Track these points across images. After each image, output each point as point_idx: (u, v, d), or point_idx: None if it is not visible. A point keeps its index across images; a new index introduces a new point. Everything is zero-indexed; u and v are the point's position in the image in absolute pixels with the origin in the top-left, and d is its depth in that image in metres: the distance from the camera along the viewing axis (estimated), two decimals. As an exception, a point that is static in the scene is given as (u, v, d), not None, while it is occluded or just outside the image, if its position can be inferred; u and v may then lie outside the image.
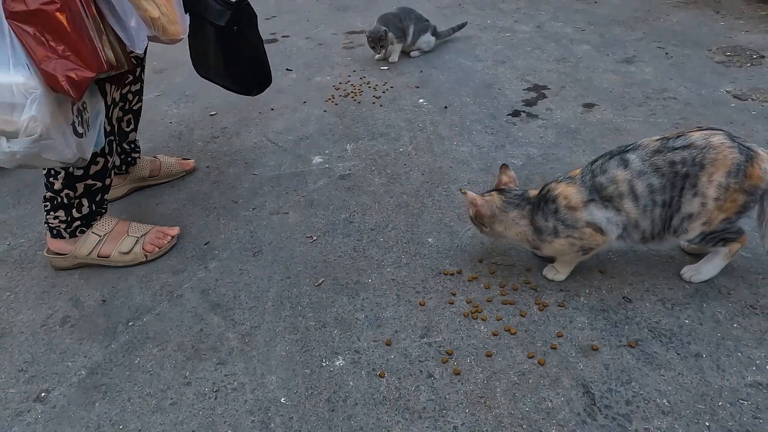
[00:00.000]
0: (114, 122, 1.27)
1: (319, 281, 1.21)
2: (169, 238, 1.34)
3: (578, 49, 2.39)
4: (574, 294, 1.11)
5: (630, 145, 1.05)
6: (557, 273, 1.14)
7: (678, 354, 0.96)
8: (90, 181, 1.22)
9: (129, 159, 1.54)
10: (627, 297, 1.09)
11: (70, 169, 1.17)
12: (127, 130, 1.49)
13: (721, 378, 0.92)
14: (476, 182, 1.51)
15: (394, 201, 1.47)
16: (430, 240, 1.31)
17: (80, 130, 1.02)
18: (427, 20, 2.43)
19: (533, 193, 1.11)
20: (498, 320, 1.06)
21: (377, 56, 2.45)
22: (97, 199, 1.27)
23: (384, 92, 2.13)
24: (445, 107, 1.95)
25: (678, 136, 1.02)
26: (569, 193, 1.04)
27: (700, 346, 0.98)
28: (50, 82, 0.91)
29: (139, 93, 1.48)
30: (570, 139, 1.68)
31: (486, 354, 0.99)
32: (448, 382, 0.95)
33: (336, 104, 2.06)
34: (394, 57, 2.40)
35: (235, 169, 1.68)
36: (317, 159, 1.70)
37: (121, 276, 1.26)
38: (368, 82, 2.23)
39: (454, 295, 1.14)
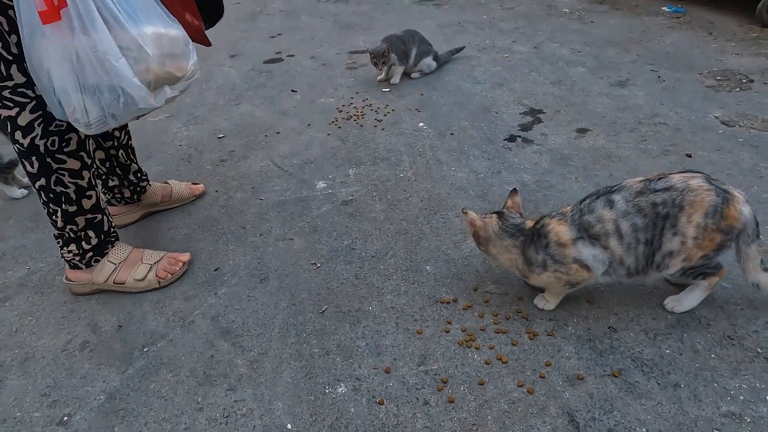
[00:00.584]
0: (93, 156, 1.34)
1: (323, 308, 1.28)
2: (181, 264, 1.40)
3: (574, 71, 2.46)
4: (563, 323, 1.18)
5: (615, 185, 1.12)
6: (547, 302, 1.21)
7: (658, 384, 1.03)
8: (89, 215, 1.28)
9: (138, 189, 1.61)
10: (612, 327, 1.16)
11: (64, 206, 1.24)
12: (126, 163, 1.55)
13: (697, 408, 0.98)
14: (472, 209, 1.57)
15: (394, 228, 1.54)
16: (428, 268, 1.38)
17: None
18: (430, 44, 2.51)
19: (529, 224, 1.18)
20: (491, 349, 1.13)
21: (379, 77, 2.52)
22: (104, 229, 1.34)
23: (385, 115, 2.20)
24: (451, 133, 2.01)
25: (659, 178, 1.08)
26: (560, 230, 1.11)
27: (679, 376, 1.04)
28: (193, 33, 1.10)
29: (124, 128, 1.53)
30: (563, 165, 1.75)
31: (479, 382, 1.06)
32: (443, 410, 1.01)
33: (339, 127, 2.14)
34: (396, 79, 2.47)
35: (243, 194, 1.76)
36: (321, 184, 1.78)
37: (135, 302, 1.34)
38: (370, 105, 2.30)
39: (449, 323, 1.21)
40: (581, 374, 1.06)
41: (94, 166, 1.34)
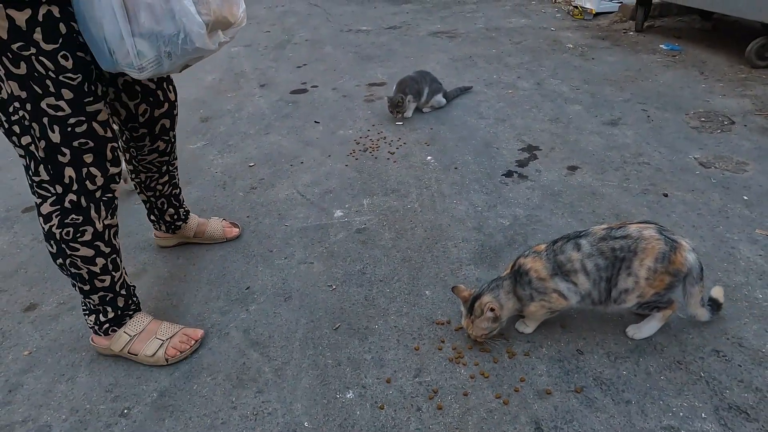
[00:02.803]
0: (115, 243, 1.38)
1: (337, 326, 1.51)
2: (193, 342, 1.46)
3: (570, 109, 2.67)
4: (538, 345, 1.39)
5: (583, 231, 1.34)
6: (526, 327, 1.43)
7: (613, 400, 1.24)
8: (102, 294, 1.39)
9: (173, 227, 1.81)
10: (580, 349, 1.37)
11: (80, 285, 1.36)
12: (163, 208, 1.74)
13: (643, 421, 1.18)
14: (469, 240, 1.80)
15: (400, 255, 1.77)
16: (427, 292, 1.60)
17: None
18: (440, 83, 2.76)
19: (505, 273, 1.40)
20: (475, 365, 1.35)
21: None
22: (120, 306, 1.43)
23: (398, 148, 2.44)
24: (455, 167, 2.24)
25: (619, 227, 1.30)
26: (538, 267, 1.33)
27: (631, 394, 1.25)
28: None
29: (170, 180, 1.70)
30: (552, 201, 1.96)
31: (463, 393, 1.28)
32: (433, 416, 1.23)
33: (356, 159, 2.38)
34: (409, 113, 2.72)
35: (270, 220, 2.01)
36: (338, 213, 2.02)
37: (180, 315, 1.59)
38: (384, 137, 2.54)
39: (443, 342, 1.43)
40: (549, 389, 1.27)
41: (117, 253, 1.40)
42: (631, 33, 3.87)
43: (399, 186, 2.16)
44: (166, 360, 1.42)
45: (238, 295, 1.65)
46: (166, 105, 1.51)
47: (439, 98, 2.75)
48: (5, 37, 1.04)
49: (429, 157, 2.35)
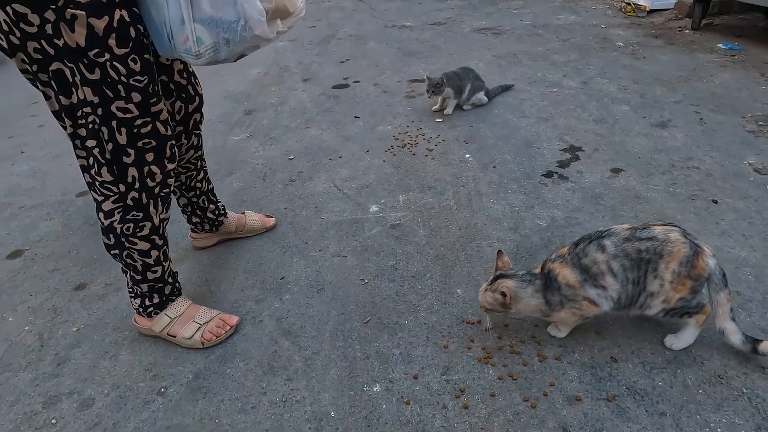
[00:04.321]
0: (166, 237, 1.44)
1: (367, 319, 1.53)
2: (228, 327, 1.51)
3: (617, 109, 2.58)
4: (571, 350, 1.36)
5: (605, 231, 1.30)
6: (559, 331, 1.40)
7: (646, 411, 1.20)
8: (151, 283, 1.45)
9: (216, 223, 1.84)
10: (614, 357, 1.33)
11: (131, 274, 1.42)
12: (204, 206, 1.77)
13: (677, 434, 1.15)
14: (504, 240, 1.77)
15: (433, 252, 1.76)
16: (458, 291, 1.59)
17: None
18: (482, 81, 2.72)
19: (537, 270, 1.38)
20: (504, 366, 1.34)
21: (434, 107, 2.76)
22: (166, 293, 1.50)
23: (436, 145, 2.43)
24: (494, 166, 2.21)
25: (643, 228, 1.27)
26: (566, 273, 1.30)
27: (666, 406, 1.20)
28: None
29: (205, 176, 1.72)
30: (593, 204, 1.91)
31: (490, 394, 1.27)
32: (458, 414, 1.23)
33: (394, 155, 2.39)
34: (449, 110, 2.70)
35: (307, 212, 2.04)
36: (374, 208, 2.03)
37: (217, 301, 1.64)
38: (423, 134, 2.54)
39: (472, 341, 1.42)
40: (579, 396, 1.24)
41: (167, 244, 1.46)
42: (687, 31, 3.70)
43: (435, 183, 2.15)
44: (202, 343, 1.47)
45: (273, 284, 1.69)
46: (197, 99, 1.54)
47: (481, 96, 2.71)
48: (82, 44, 1.07)
49: (467, 155, 2.33)
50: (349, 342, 1.45)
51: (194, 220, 1.82)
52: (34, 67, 1.12)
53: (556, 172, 2.13)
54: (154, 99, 1.22)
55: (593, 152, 2.24)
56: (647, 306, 1.28)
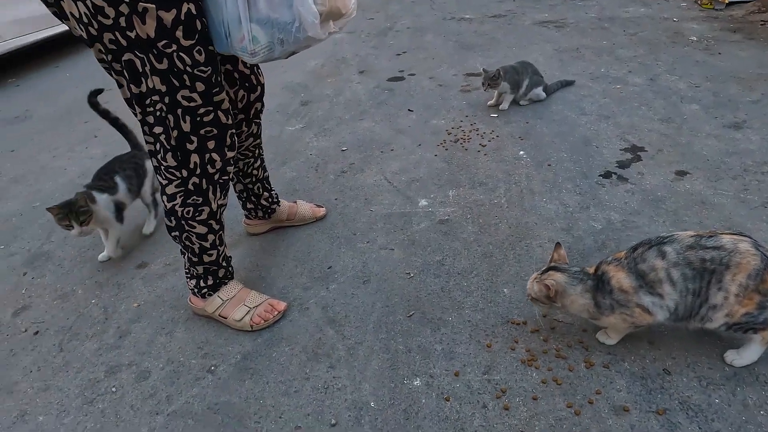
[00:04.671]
0: (222, 223, 1.50)
1: (410, 313, 1.53)
2: (276, 312, 1.55)
3: (686, 108, 2.43)
4: (620, 359, 1.31)
5: (666, 237, 1.23)
6: (609, 338, 1.35)
7: (699, 428, 1.14)
8: (206, 266, 1.52)
9: (269, 210, 1.91)
10: (667, 369, 1.27)
11: (188, 255, 1.49)
12: (259, 193, 1.84)
13: (733, 455, 1.08)
14: (555, 241, 1.72)
15: (481, 250, 1.74)
16: (505, 290, 1.57)
17: None
18: (541, 76, 2.64)
19: (590, 270, 1.33)
20: (548, 370, 1.31)
21: (489, 102, 2.71)
22: (220, 276, 1.56)
23: (489, 141, 2.39)
24: (549, 164, 2.15)
25: (710, 236, 1.19)
26: (620, 277, 1.24)
27: (722, 425, 1.14)
28: None
29: (261, 164, 1.78)
30: (654, 207, 1.82)
31: (533, 397, 1.25)
32: (498, 415, 1.22)
33: (446, 149, 2.37)
34: (505, 105, 2.64)
35: (357, 204, 2.06)
36: (423, 202, 2.03)
37: (267, 286, 1.70)
38: (477, 129, 2.50)
39: (516, 342, 1.39)
40: (627, 407, 1.19)
41: (223, 229, 1.52)
42: (771, 25, 3.44)
43: (487, 179, 2.11)
44: (251, 326, 1.53)
45: (321, 273, 1.72)
46: (259, 89, 1.59)
47: (539, 91, 2.64)
48: (152, 35, 1.13)
49: (521, 152, 2.27)
50: (391, 334, 1.46)
51: (248, 206, 1.88)
52: (109, 57, 1.19)
53: (615, 173, 2.05)
54: (217, 89, 1.27)
55: (657, 153, 2.13)
56: (708, 319, 1.20)
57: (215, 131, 1.31)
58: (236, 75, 1.49)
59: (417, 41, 3.91)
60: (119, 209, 1.89)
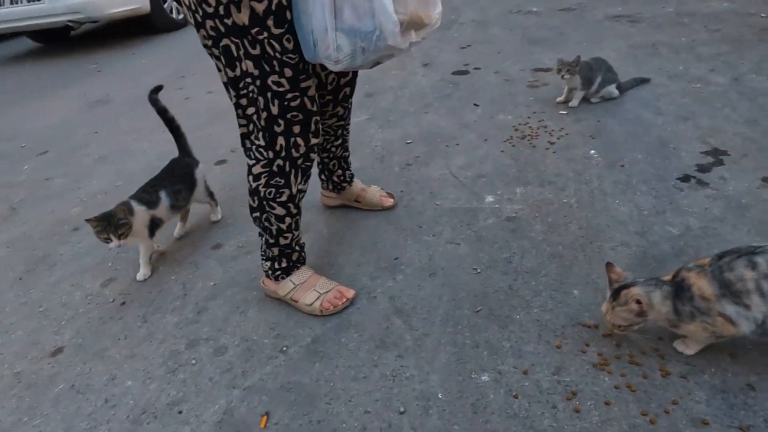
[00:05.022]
0: (300, 207, 1.56)
1: (478, 309, 1.53)
2: (344, 299, 1.60)
3: (776, 112, 2.29)
4: (699, 370, 1.27)
5: (758, 247, 1.17)
6: (687, 348, 1.31)
7: (787, 447, 1.09)
8: (281, 248, 1.59)
9: (339, 187, 1.99)
10: (751, 384, 1.22)
11: (266, 237, 1.56)
12: (333, 169, 1.92)
13: (823, 479, 1.03)
14: (629, 245, 1.68)
15: (550, 249, 1.72)
16: (575, 292, 1.54)
17: None
18: (615, 73, 2.55)
19: (666, 278, 1.29)
20: (622, 376, 1.28)
21: (558, 99, 2.64)
22: (293, 259, 1.63)
23: (558, 138, 2.34)
24: (622, 165, 2.09)
25: None
26: (702, 284, 1.20)
27: (812, 447, 1.09)
28: None
29: (343, 143, 1.86)
30: (737, 215, 1.73)
31: (605, 402, 1.23)
32: (569, 416, 1.21)
33: (513, 146, 2.34)
34: (575, 102, 2.57)
35: (422, 197, 2.08)
36: (489, 198, 2.02)
37: (335, 273, 1.74)
38: (545, 126, 2.45)
39: (587, 345, 1.37)
40: (707, 420, 1.16)
41: (299, 215, 1.58)
42: None
43: (556, 178, 2.08)
44: (321, 311, 1.58)
45: (387, 263, 1.75)
46: (350, 74, 1.66)
47: (611, 89, 2.55)
48: (246, 23, 1.22)
49: (592, 151, 2.21)
50: (458, 329, 1.48)
51: (322, 177, 2.00)
52: (210, 42, 1.28)
53: (694, 177, 1.96)
54: (304, 76, 1.34)
55: (741, 158, 2.02)
56: None
57: (301, 116, 1.37)
58: None
59: (482, 34, 3.86)
60: (154, 224, 1.84)
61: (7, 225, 2.33)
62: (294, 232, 1.58)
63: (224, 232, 2.03)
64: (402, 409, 1.27)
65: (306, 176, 1.51)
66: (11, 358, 1.58)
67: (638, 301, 1.24)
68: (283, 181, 1.46)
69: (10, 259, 2.08)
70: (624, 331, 1.31)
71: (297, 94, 1.33)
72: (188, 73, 4.20)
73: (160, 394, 1.38)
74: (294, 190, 1.49)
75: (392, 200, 2.05)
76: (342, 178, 1.98)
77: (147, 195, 1.83)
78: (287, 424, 1.27)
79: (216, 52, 1.30)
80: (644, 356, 1.32)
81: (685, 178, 1.96)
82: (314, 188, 2.07)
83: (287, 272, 1.63)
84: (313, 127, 1.42)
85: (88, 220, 1.70)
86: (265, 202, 1.49)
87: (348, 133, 1.88)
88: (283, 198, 1.49)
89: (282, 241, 1.58)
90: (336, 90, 1.66)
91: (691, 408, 1.19)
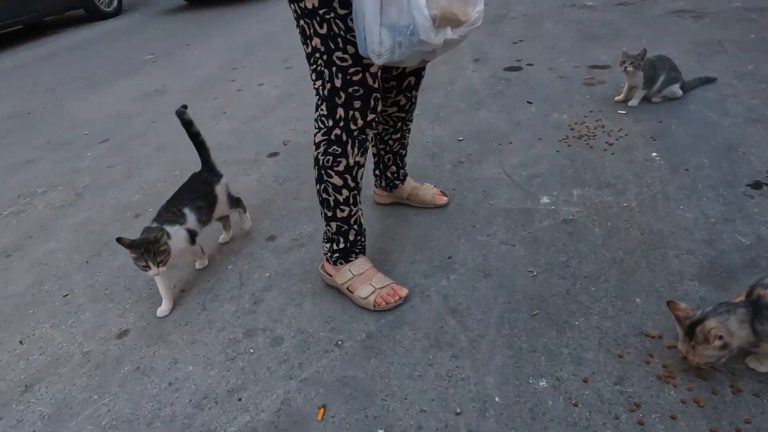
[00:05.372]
0: (358, 180, 1.57)
1: (535, 312, 1.51)
2: (398, 297, 1.60)
3: None
4: (773, 388, 1.22)
5: None
6: (761, 365, 1.25)
7: None
8: (339, 223, 1.59)
9: (391, 184, 2.00)
10: (831, 407, 1.16)
11: (324, 209, 1.58)
12: (388, 164, 1.94)
13: None
14: (695, 253, 1.61)
15: (609, 255, 1.67)
16: (637, 300, 1.50)
17: None
18: (680, 72, 2.44)
19: (739, 299, 1.23)
20: (688, 390, 1.24)
21: (617, 98, 2.56)
22: (350, 239, 1.63)
23: (617, 139, 2.27)
24: (686, 169, 2.01)
25: None
26: (784, 302, 1.14)
27: None
28: None
29: (400, 139, 1.88)
30: (815, 227, 1.64)
31: (671, 416, 1.19)
32: (632, 428, 1.18)
33: (569, 146, 2.28)
34: (635, 101, 2.49)
35: (475, 196, 2.06)
36: (545, 199, 1.98)
37: (388, 270, 1.75)
38: (603, 126, 2.38)
39: (651, 356, 1.33)
40: (782, 441, 1.11)
41: (358, 192, 1.59)
42: None
43: (615, 180, 2.01)
44: (374, 306, 1.59)
45: (440, 262, 1.75)
46: None
47: (675, 88, 2.45)
48: (317, 5, 1.32)
49: (654, 153, 2.13)
50: (515, 332, 1.46)
51: (376, 172, 2.01)
52: (295, 24, 1.41)
53: (767, 184, 1.86)
54: None
55: (818, 165, 1.91)
56: None
57: (361, 91, 1.42)
58: None
59: (534, 29, 3.77)
60: (192, 237, 1.78)
61: (73, 210, 2.44)
62: (351, 207, 1.59)
63: (278, 225, 2.07)
64: (458, 410, 1.26)
65: (363, 149, 1.53)
66: (81, 338, 1.66)
67: (720, 337, 1.18)
68: (340, 150, 1.49)
69: (78, 242, 2.18)
70: (712, 367, 1.26)
71: (359, 68, 1.39)
72: (239, 65, 4.29)
73: (221, 381, 1.43)
74: (351, 161, 1.52)
75: (446, 198, 2.04)
76: (395, 175, 1.99)
77: (173, 216, 1.75)
78: (344, 417, 1.29)
79: (298, 31, 1.42)
80: (712, 371, 1.27)
81: (756, 185, 1.87)
82: (367, 184, 2.09)
83: (345, 256, 1.66)
84: (372, 103, 1.45)
85: (119, 240, 1.57)
86: (323, 171, 1.53)
87: (408, 130, 1.88)
88: (340, 167, 1.51)
89: (339, 214, 1.59)
90: (401, 77, 1.70)
91: (765, 428, 1.14)
